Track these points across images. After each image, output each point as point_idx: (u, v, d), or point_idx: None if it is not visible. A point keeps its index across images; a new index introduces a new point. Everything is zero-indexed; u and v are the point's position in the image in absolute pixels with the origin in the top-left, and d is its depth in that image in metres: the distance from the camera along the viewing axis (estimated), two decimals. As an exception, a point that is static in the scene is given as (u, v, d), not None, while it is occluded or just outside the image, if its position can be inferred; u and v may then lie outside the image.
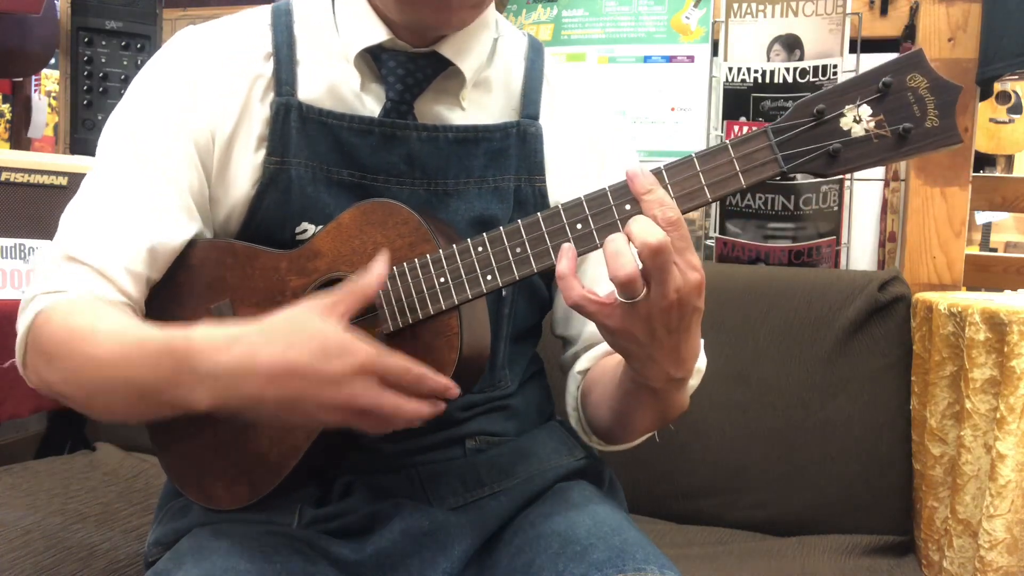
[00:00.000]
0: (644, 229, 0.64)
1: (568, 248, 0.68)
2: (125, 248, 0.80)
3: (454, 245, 0.73)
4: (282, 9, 0.87)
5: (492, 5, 0.86)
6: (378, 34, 0.82)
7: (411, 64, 0.83)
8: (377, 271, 0.71)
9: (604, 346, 0.89)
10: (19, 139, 2.05)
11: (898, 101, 0.65)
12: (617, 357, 0.80)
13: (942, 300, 1.22)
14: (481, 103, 0.88)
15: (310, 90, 0.84)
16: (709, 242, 1.57)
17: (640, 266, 0.65)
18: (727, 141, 0.67)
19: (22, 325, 0.80)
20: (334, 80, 0.84)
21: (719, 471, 1.36)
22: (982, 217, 3.80)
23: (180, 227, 0.83)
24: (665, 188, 0.67)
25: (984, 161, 3.80)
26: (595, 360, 0.90)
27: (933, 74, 0.65)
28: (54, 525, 1.14)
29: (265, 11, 0.87)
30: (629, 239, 0.65)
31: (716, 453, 1.36)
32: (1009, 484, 1.03)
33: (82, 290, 0.79)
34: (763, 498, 1.34)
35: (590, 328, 0.90)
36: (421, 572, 0.78)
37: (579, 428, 0.92)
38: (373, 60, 0.84)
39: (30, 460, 1.47)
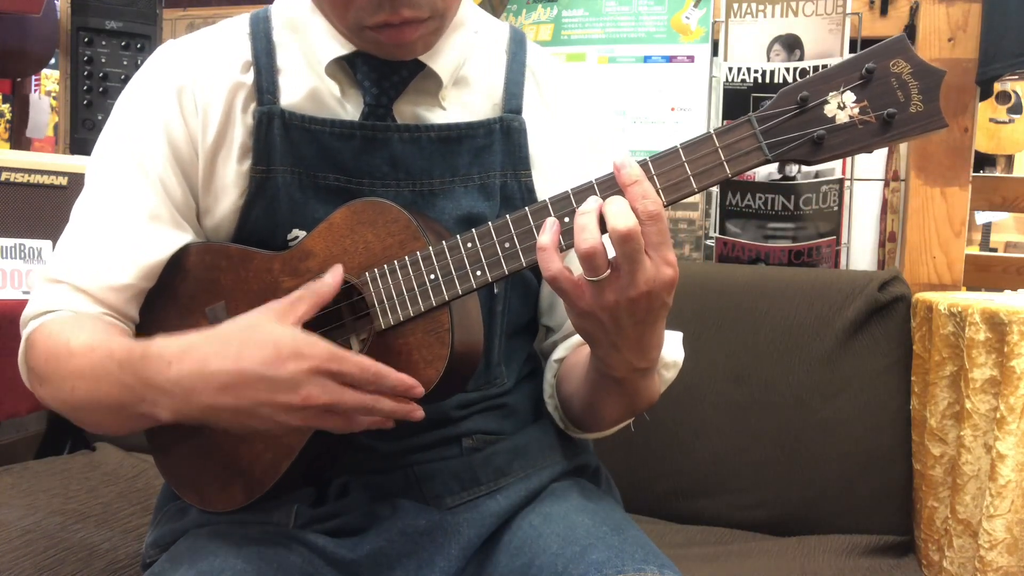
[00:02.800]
0: (616, 214, 0.65)
1: (552, 222, 0.68)
2: (104, 262, 0.82)
3: (443, 242, 0.73)
4: (260, 16, 0.87)
5: (464, 3, 0.85)
6: (345, 47, 0.82)
7: (385, 68, 0.82)
8: (333, 274, 0.74)
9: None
10: (19, 139, 2.05)
11: (882, 87, 0.65)
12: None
13: (942, 300, 1.22)
14: (462, 101, 0.87)
15: (292, 96, 0.83)
16: (709, 242, 1.56)
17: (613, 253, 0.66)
18: (711, 131, 0.68)
19: (19, 350, 0.83)
20: (315, 85, 0.84)
21: (719, 471, 1.36)
22: (982, 217, 3.80)
23: (165, 239, 0.83)
24: (651, 179, 0.67)
25: (984, 161, 3.80)
26: (571, 349, 0.91)
27: (916, 59, 0.65)
28: (54, 525, 1.14)
29: (243, 20, 0.87)
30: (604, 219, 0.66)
31: (716, 453, 1.36)
32: (1009, 484, 1.03)
33: (63, 308, 0.81)
34: (763, 498, 1.34)
35: None
36: (418, 572, 0.78)
37: (556, 416, 0.93)
38: (348, 66, 0.83)
39: (30, 460, 1.47)
